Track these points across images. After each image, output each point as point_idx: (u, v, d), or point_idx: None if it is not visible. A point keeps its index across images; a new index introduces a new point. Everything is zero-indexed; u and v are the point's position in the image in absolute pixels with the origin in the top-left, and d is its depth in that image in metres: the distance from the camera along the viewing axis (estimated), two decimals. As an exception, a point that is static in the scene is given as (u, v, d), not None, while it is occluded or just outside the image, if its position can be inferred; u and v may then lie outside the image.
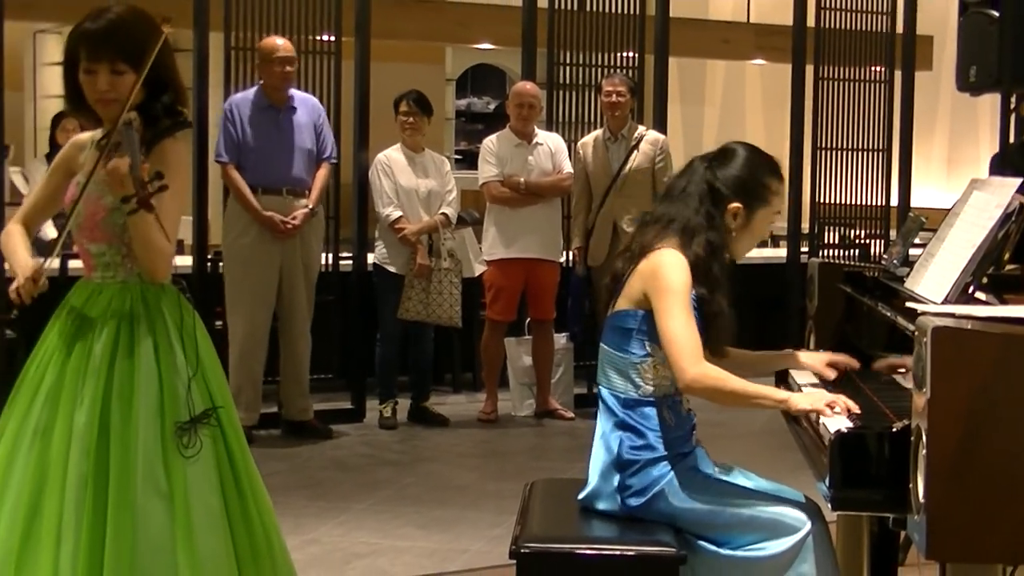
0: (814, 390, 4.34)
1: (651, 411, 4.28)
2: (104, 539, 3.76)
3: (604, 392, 4.38)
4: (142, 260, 3.93)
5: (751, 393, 4.19)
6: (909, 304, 4.12)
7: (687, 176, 4.42)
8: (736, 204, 4.33)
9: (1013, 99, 9.64)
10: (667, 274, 4.18)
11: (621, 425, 4.30)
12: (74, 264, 8.62)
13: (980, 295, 4.15)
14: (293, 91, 8.78)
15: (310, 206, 8.64)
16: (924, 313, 3.68)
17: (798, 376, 4.68)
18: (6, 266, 4.08)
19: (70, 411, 3.87)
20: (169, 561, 3.79)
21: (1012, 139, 10.37)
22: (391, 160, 9.20)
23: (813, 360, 4.57)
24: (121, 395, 3.86)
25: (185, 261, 9.49)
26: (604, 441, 4.34)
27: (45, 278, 3.88)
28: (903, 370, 4.29)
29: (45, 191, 4.20)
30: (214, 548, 3.85)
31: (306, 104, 8.83)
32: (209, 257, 9.21)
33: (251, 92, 8.75)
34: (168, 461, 3.84)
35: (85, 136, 4.19)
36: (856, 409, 3.97)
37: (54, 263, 5.28)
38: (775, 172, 4.44)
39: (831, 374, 4.48)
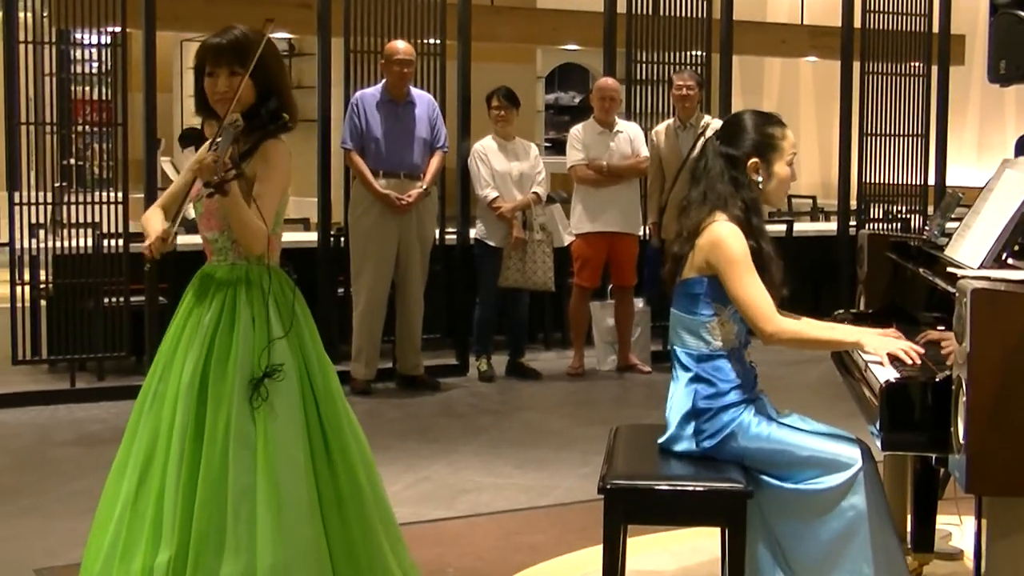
0: (880, 335, 4.29)
1: (721, 363, 4.27)
2: (197, 484, 3.84)
3: (678, 351, 4.37)
4: (237, 236, 3.99)
5: (826, 338, 4.29)
6: (950, 269, 4.10)
7: (704, 156, 4.43)
8: (753, 160, 4.32)
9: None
10: (728, 245, 4.18)
11: (695, 378, 4.29)
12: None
13: (1012, 261, 4.11)
14: (412, 88, 8.79)
15: (424, 187, 8.65)
16: (964, 277, 3.65)
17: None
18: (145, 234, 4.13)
19: (179, 374, 3.97)
20: (252, 503, 3.84)
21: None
22: (486, 148, 9.22)
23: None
24: (219, 360, 3.94)
25: (311, 237, 9.59)
26: (680, 393, 4.33)
27: (174, 237, 3.99)
28: (942, 328, 4.26)
29: (180, 184, 4.26)
30: (295, 494, 3.87)
31: (423, 99, 8.85)
32: (332, 233, 9.27)
33: (375, 88, 8.78)
34: (256, 417, 3.90)
35: None
36: (920, 353, 3.95)
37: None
38: (776, 122, 4.40)
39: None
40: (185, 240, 7.47)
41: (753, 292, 4.14)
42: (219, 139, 3.87)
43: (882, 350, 4.08)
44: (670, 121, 9.52)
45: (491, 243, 9.18)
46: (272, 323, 4.00)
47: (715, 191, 4.29)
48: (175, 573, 3.80)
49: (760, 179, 4.33)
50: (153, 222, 4.10)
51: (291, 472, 3.89)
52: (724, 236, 4.20)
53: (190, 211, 4.26)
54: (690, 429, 4.28)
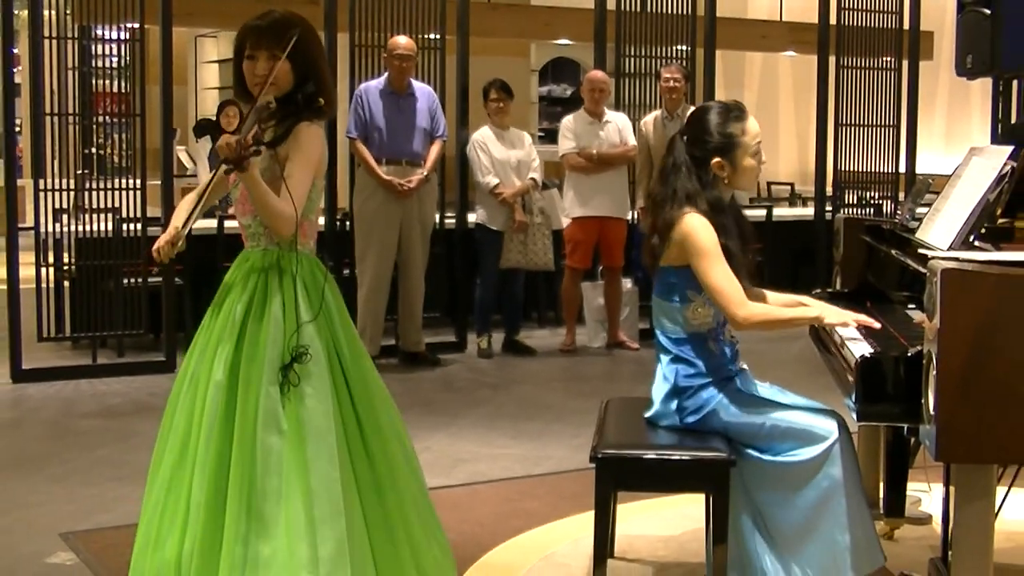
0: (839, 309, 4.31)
1: (698, 345, 4.30)
2: (229, 467, 3.69)
3: (659, 334, 4.41)
4: (262, 219, 3.81)
5: (791, 317, 4.30)
6: (921, 251, 4.09)
7: (672, 154, 4.41)
8: (717, 159, 4.31)
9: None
10: (697, 236, 4.18)
11: (675, 359, 4.32)
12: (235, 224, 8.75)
13: (978, 243, 4.12)
14: (413, 80, 8.78)
15: (424, 173, 8.65)
16: (934, 258, 3.66)
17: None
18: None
19: (211, 359, 3.80)
20: (280, 484, 3.69)
21: (1003, 116, 10.17)
22: (485, 137, 9.20)
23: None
24: (250, 345, 3.77)
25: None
26: (662, 373, 4.36)
27: (183, 241, 3.79)
28: (912, 306, 4.27)
29: (205, 182, 4.04)
30: (328, 477, 3.70)
31: (423, 91, 8.84)
32: (338, 218, 9.25)
33: (378, 81, 8.77)
34: (285, 403, 3.73)
35: None
36: (876, 325, 3.96)
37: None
38: (738, 117, 4.36)
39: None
40: (200, 224, 7.45)
41: (722, 280, 4.14)
42: (247, 118, 3.71)
43: (840, 319, 4.12)
44: (658, 112, 9.51)
45: (493, 227, 9.17)
46: (301, 308, 3.81)
47: (684, 189, 4.29)
48: (201, 562, 3.66)
49: (725, 175, 4.33)
50: (173, 221, 3.92)
51: (325, 456, 3.72)
52: (694, 228, 4.20)
53: (214, 200, 4.11)
54: (673, 406, 4.30)
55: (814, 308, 4.33)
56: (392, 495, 3.90)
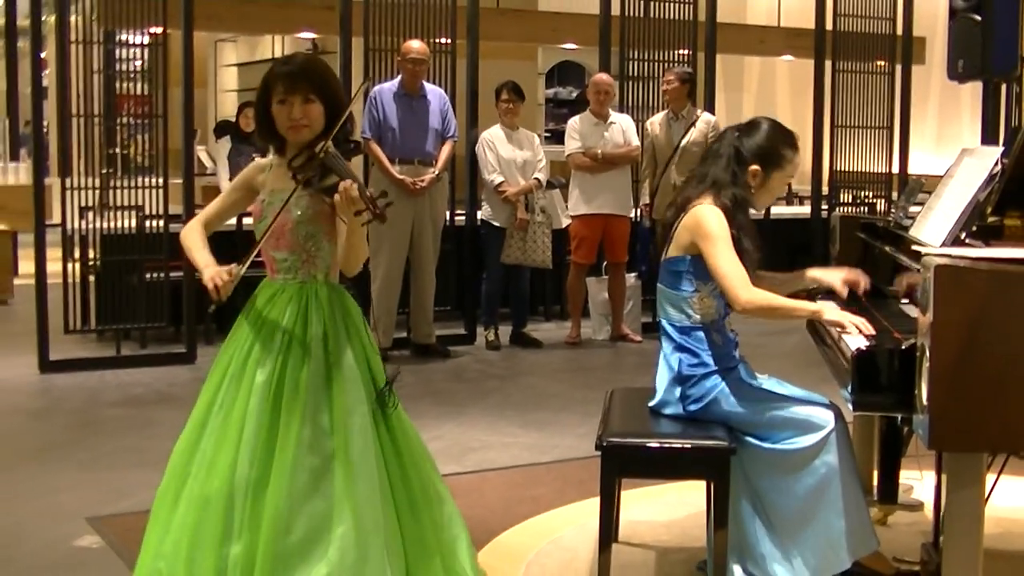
0: (845, 279, 4.33)
1: (702, 334, 4.30)
2: (268, 482, 3.64)
3: (664, 323, 4.40)
4: (352, 260, 3.81)
5: (791, 307, 4.24)
6: (914, 247, 4.10)
7: (720, 141, 4.43)
8: (755, 167, 4.32)
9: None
10: (708, 223, 4.19)
11: (679, 348, 4.31)
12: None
13: (969, 241, 4.12)
14: (424, 83, 8.78)
15: (436, 172, 8.65)
16: (928, 254, 3.66)
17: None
18: (190, 256, 3.88)
19: (250, 384, 3.74)
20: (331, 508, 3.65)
21: (992, 119, 10.15)
22: (493, 137, 9.20)
23: (829, 277, 4.41)
24: (294, 368, 3.75)
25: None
26: (667, 362, 4.35)
27: (239, 278, 3.75)
28: (906, 301, 4.27)
29: (226, 202, 4.04)
30: (371, 499, 3.67)
31: (435, 93, 8.84)
32: (353, 215, 9.24)
33: (392, 83, 8.76)
34: (334, 425, 3.70)
35: (265, 161, 4.01)
36: (871, 330, 3.95)
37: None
38: (791, 144, 4.39)
39: (844, 291, 4.36)
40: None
41: (728, 264, 4.14)
42: (326, 166, 3.70)
43: (837, 319, 4.09)
44: (663, 113, 9.51)
45: (496, 223, 9.17)
46: (340, 335, 3.83)
47: (715, 175, 4.31)
48: (247, 565, 3.62)
49: (754, 184, 4.33)
50: (204, 254, 3.86)
51: (366, 475, 3.69)
52: (705, 215, 4.21)
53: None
54: (676, 394, 4.31)
55: (815, 303, 4.34)
56: (426, 513, 3.90)
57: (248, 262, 3.75)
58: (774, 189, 4.41)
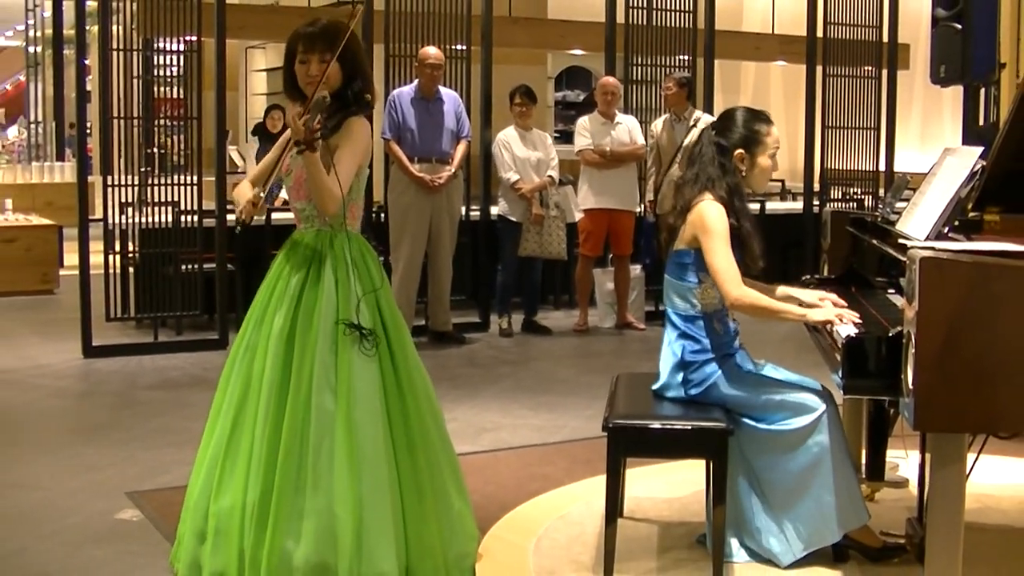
0: (822, 298, 4.28)
1: (703, 323, 4.30)
2: (282, 429, 3.73)
3: (669, 311, 4.40)
4: (314, 197, 3.85)
5: (778, 308, 4.24)
6: (901, 241, 4.09)
7: (700, 143, 4.43)
8: (739, 151, 4.31)
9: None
10: (710, 220, 4.19)
11: (682, 335, 4.31)
12: (281, 215, 8.77)
13: (952, 234, 4.11)
14: (440, 87, 8.77)
15: (452, 170, 8.65)
16: (913, 247, 3.64)
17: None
18: (232, 206, 4.03)
19: (269, 327, 3.85)
20: (332, 448, 3.73)
21: (972, 120, 10.12)
22: (508, 137, 9.18)
23: (809, 298, 4.33)
24: (305, 314, 3.81)
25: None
26: (670, 348, 4.35)
27: (263, 205, 3.86)
28: (892, 291, 4.26)
29: (269, 160, 4.08)
30: (372, 437, 3.75)
31: (450, 96, 8.83)
32: (374, 211, 9.25)
33: (410, 87, 8.75)
34: (339, 366, 3.78)
35: None
36: (857, 319, 3.95)
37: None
38: (764, 119, 4.39)
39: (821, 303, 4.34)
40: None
41: (723, 260, 4.15)
42: (309, 111, 3.77)
43: (824, 318, 4.07)
44: (667, 115, 9.49)
45: (512, 219, 9.15)
46: (352, 282, 3.88)
47: (705, 173, 4.30)
48: (261, 510, 3.71)
49: (744, 168, 4.33)
50: (244, 191, 3.97)
51: (369, 418, 3.76)
52: (707, 212, 4.22)
53: (282, 193, 4.15)
54: (679, 378, 4.30)
55: (801, 309, 4.25)
56: (422, 453, 3.93)
57: (268, 186, 3.87)
58: (764, 167, 4.37)
